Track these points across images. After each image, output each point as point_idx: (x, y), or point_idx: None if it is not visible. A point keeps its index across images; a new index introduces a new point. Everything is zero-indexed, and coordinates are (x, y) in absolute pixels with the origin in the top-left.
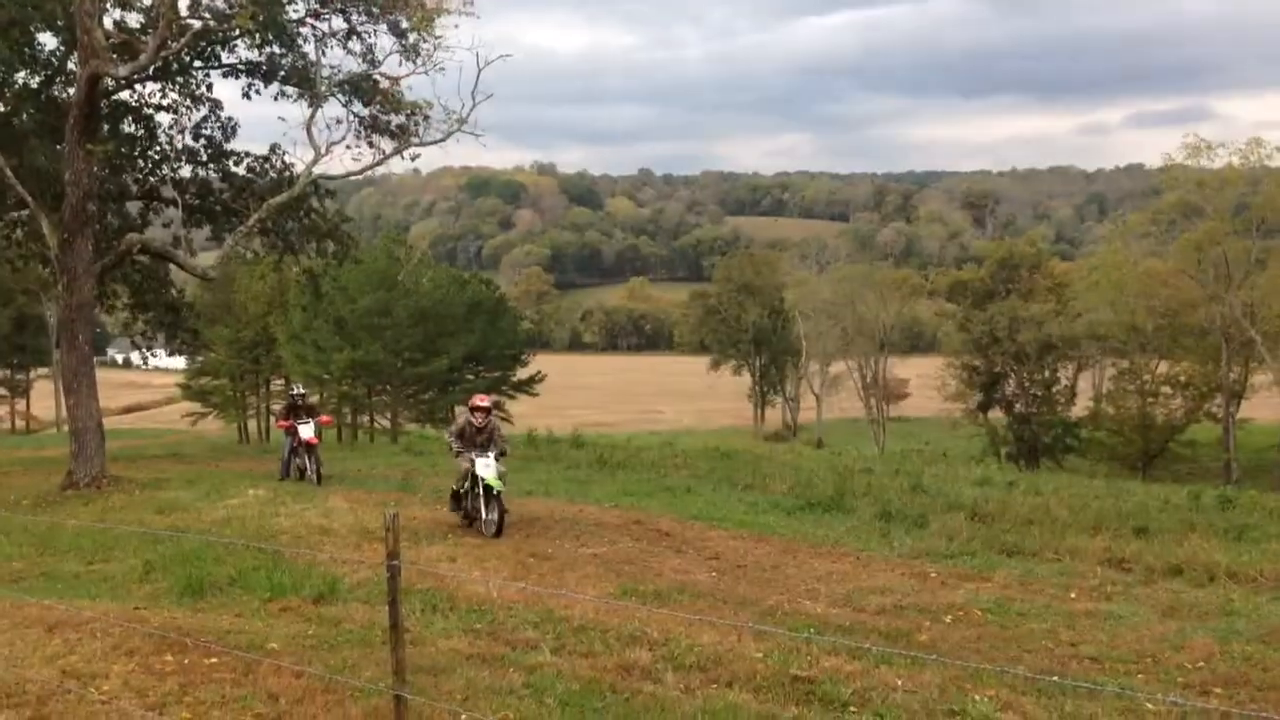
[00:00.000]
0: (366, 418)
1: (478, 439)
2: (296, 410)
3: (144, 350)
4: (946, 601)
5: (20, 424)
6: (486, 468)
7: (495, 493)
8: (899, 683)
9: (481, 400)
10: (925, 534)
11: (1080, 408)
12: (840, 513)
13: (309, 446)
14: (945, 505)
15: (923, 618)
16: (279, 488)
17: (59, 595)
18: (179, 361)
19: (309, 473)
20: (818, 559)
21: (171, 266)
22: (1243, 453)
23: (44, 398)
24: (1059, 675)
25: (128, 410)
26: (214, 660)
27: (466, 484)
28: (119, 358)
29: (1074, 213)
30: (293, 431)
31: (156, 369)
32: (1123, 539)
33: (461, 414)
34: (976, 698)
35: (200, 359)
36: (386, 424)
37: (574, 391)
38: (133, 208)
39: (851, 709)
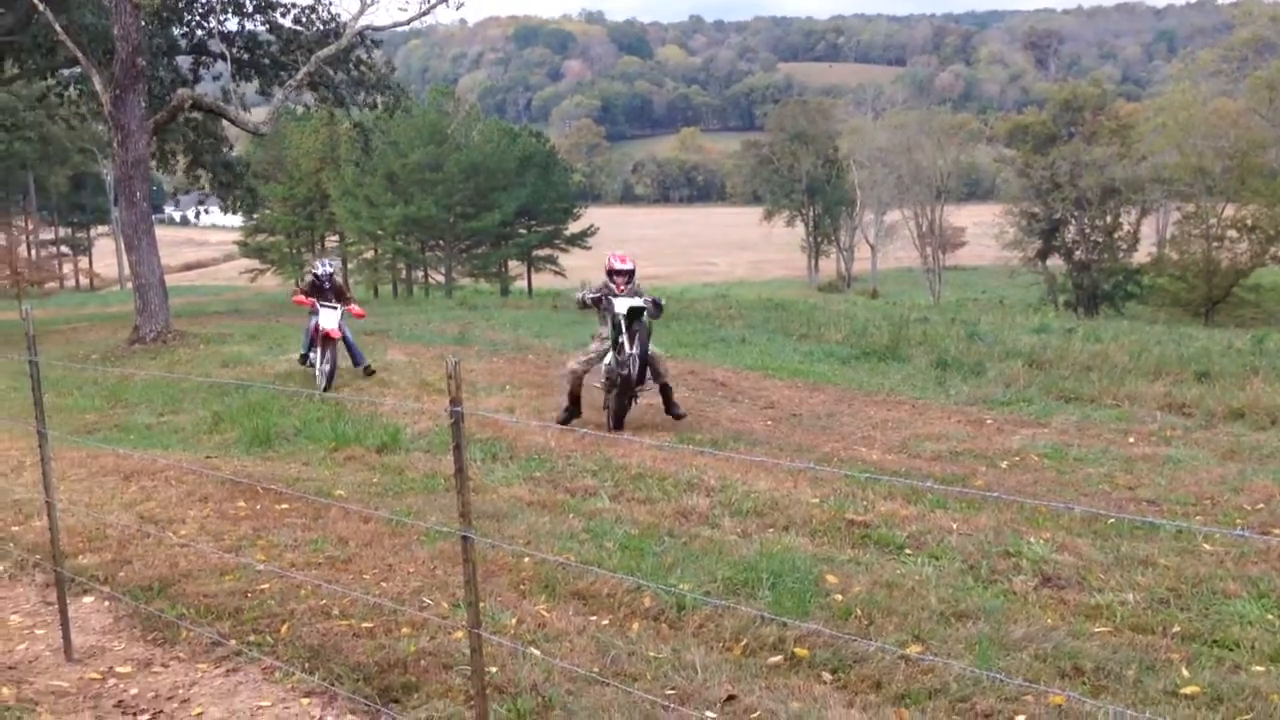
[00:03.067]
0: (421, 273)
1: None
2: (322, 292)
3: (205, 208)
4: (1003, 447)
5: (84, 281)
6: (624, 302)
7: (641, 331)
8: (954, 526)
9: (621, 260)
10: (982, 381)
11: (1142, 254)
12: (896, 361)
13: (326, 339)
14: (1002, 353)
15: (978, 463)
16: None
17: (132, 445)
18: (236, 219)
19: (317, 371)
20: (873, 407)
21: (225, 125)
22: None
23: (106, 256)
24: (1115, 517)
25: (188, 268)
26: (284, 506)
27: (607, 350)
28: (177, 215)
29: (1141, 51)
30: (314, 312)
31: (214, 226)
32: (1183, 384)
33: (598, 279)
34: (1032, 540)
35: (255, 216)
36: (441, 279)
37: (626, 244)
38: (183, 64)
39: (907, 551)
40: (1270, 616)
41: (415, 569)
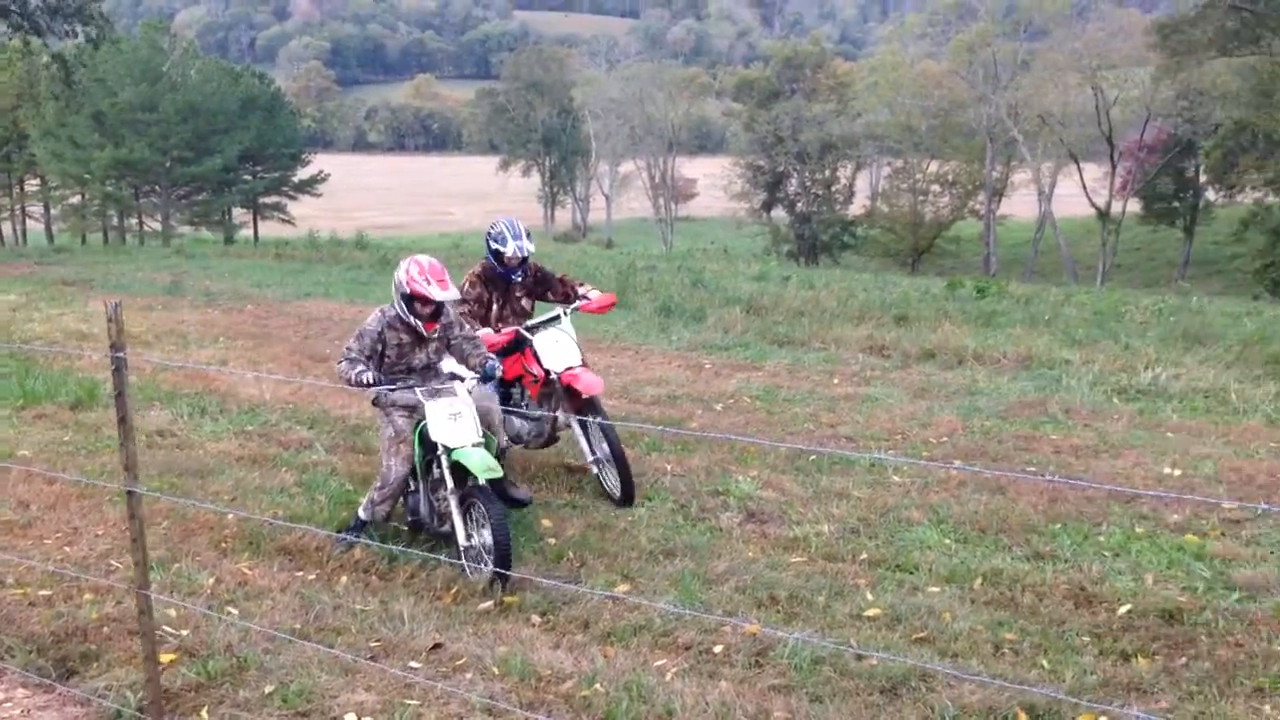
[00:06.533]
0: (135, 220)
1: (417, 355)
2: (509, 287)
3: None
4: (719, 390)
5: None
6: (455, 423)
7: (483, 485)
8: (669, 467)
9: (440, 281)
10: (702, 327)
11: (858, 206)
12: (621, 309)
13: (574, 394)
14: (723, 300)
15: (695, 406)
16: (33, 292)
17: None
18: None
19: (603, 472)
20: (597, 354)
21: None
22: (1001, 247)
23: None
24: (816, 452)
25: None
26: None
27: (415, 464)
28: None
29: (858, 13)
30: (513, 353)
31: None
32: (884, 327)
33: (373, 314)
34: (740, 478)
35: None
36: (157, 227)
37: (359, 193)
38: None
39: None
40: (947, 541)
41: (105, 531)
